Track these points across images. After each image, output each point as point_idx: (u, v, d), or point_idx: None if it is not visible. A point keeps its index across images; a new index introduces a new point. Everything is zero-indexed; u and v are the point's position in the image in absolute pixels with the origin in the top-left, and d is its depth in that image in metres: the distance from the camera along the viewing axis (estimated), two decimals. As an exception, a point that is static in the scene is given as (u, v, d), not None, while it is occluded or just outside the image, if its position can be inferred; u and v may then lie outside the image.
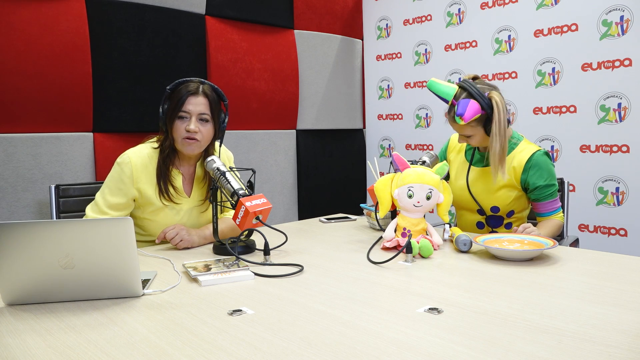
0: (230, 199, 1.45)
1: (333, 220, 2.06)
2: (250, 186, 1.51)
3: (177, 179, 1.64)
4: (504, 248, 1.40)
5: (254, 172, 1.54)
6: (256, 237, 1.57)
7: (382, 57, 3.57)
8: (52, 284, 1.02)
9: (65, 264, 1.00)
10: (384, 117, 3.61)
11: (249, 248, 1.50)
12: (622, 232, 2.51)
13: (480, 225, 1.85)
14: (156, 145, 1.63)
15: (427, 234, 1.53)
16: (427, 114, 3.34)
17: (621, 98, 2.46)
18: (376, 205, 1.61)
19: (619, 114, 2.47)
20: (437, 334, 0.86)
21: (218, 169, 1.49)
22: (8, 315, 0.98)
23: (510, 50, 2.86)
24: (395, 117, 3.54)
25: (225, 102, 1.63)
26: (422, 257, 1.41)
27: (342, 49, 3.62)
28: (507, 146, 1.67)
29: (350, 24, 3.66)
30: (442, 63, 3.20)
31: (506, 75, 2.89)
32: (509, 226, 1.81)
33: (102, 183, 1.61)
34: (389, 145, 3.60)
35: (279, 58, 3.22)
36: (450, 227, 1.62)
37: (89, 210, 1.58)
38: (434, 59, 3.26)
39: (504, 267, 1.29)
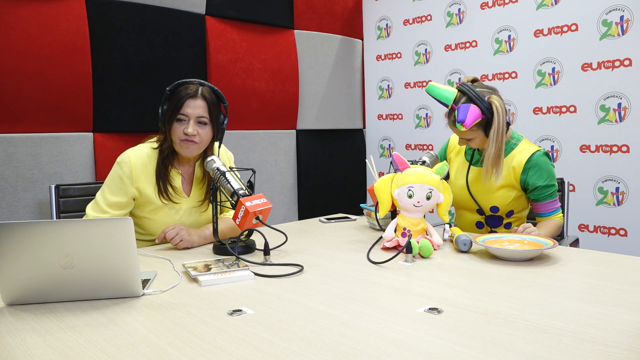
0: (230, 199, 1.45)
1: (333, 220, 2.06)
2: (250, 186, 1.51)
3: (176, 179, 1.64)
4: (504, 248, 1.40)
5: (254, 172, 1.54)
6: (256, 237, 1.57)
7: (382, 57, 3.57)
8: (52, 284, 1.02)
9: (65, 264, 1.00)
10: (384, 117, 3.61)
11: (249, 248, 1.50)
12: (622, 232, 2.51)
13: (479, 225, 1.85)
14: (156, 145, 1.64)
15: (427, 234, 1.53)
16: (427, 114, 3.34)
17: (621, 98, 2.46)
18: (376, 205, 1.61)
19: (619, 114, 2.47)
20: (437, 334, 0.86)
21: (218, 169, 1.49)
22: (8, 315, 0.98)
23: (510, 50, 2.86)
24: (395, 117, 3.54)
25: (225, 104, 1.63)
26: (422, 257, 1.41)
27: (342, 49, 3.62)
28: (503, 151, 1.66)
29: (350, 24, 3.66)
30: (442, 63, 3.20)
31: (506, 75, 2.89)
32: (508, 226, 1.81)
33: (102, 183, 1.62)
34: (389, 145, 3.60)
35: (279, 58, 3.22)
36: (450, 227, 1.62)
37: (90, 209, 1.58)
38: (434, 59, 3.26)
39: (504, 267, 1.29)
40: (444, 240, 1.61)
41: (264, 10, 3.13)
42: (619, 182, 2.50)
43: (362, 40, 3.74)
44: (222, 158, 1.73)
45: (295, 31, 3.33)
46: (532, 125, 2.77)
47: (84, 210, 1.59)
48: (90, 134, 2.49)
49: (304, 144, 3.44)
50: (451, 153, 1.95)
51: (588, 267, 1.30)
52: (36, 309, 1.01)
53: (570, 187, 2.15)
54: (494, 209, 1.78)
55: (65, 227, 1.00)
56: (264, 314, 0.97)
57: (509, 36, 2.85)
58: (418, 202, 1.49)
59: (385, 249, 1.51)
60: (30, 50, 2.25)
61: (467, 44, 3.07)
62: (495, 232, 1.81)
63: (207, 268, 1.25)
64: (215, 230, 1.54)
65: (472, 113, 1.58)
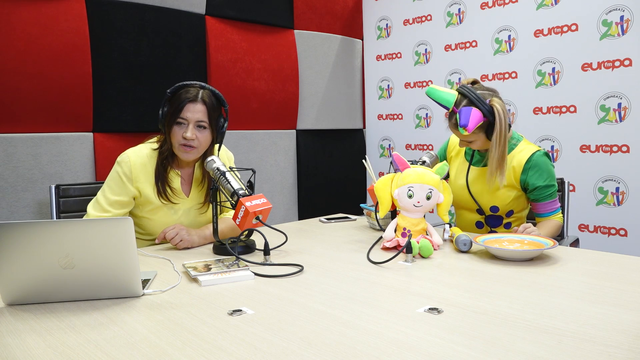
0: (230, 199, 1.45)
1: (333, 220, 2.06)
2: (250, 186, 1.51)
3: (175, 180, 1.64)
4: (504, 248, 1.40)
5: (254, 172, 1.54)
6: (256, 237, 1.57)
7: (382, 57, 3.57)
8: (52, 284, 1.02)
9: (65, 264, 1.00)
10: (384, 117, 3.61)
11: (249, 248, 1.50)
12: (622, 232, 2.51)
13: (479, 225, 1.85)
14: (156, 145, 1.64)
15: (427, 234, 1.53)
16: (427, 114, 3.34)
17: (621, 98, 2.46)
18: (376, 205, 1.61)
19: (619, 114, 2.47)
20: (437, 334, 0.86)
21: (218, 169, 1.50)
22: (8, 315, 0.98)
23: (510, 50, 2.86)
24: (395, 117, 3.54)
25: (225, 107, 1.63)
26: (422, 257, 1.41)
27: (342, 49, 3.62)
28: (507, 153, 1.66)
29: (350, 24, 3.66)
30: (442, 63, 3.20)
31: (506, 75, 2.89)
32: (508, 226, 1.81)
33: (102, 183, 1.62)
34: (389, 145, 3.60)
35: (279, 58, 3.22)
36: (450, 227, 1.62)
37: (91, 208, 1.58)
38: (434, 59, 3.26)
39: (504, 267, 1.29)
40: (444, 240, 1.61)
41: (264, 10, 3.13)
42: (619, 182, 2.50)
43: (362, 40, 3.74)
44: (222, 158, 1.73)
45: (295, 31, 3.33)
46: (532, 125, 2.77)
47: (84, 210, 1.60)
48: (90, 134, 2.49)
49: (304, 144, 3.44)
50: (451, 153, 1.95)
51: (588, 267, 1.30)
52: (36, 309, 1.01)
53: (570, 187, 2.15)
54: (494, 208, 1.78)
55: (65, 227, 1.00)
56: (264, 314, 0.97)
57: (509, 36, 2.85)
58: (418, 202, 1.49)
59: (385, 249, 1.51)
60: (30, 50, 2.25)
61: (467, 44, 3.07)
62: (495, 232, 1.81)
63: (207, 268, 1.25)
64: (215, 230, 1.54)
65: (474, 116, 1.58)
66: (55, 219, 1.84)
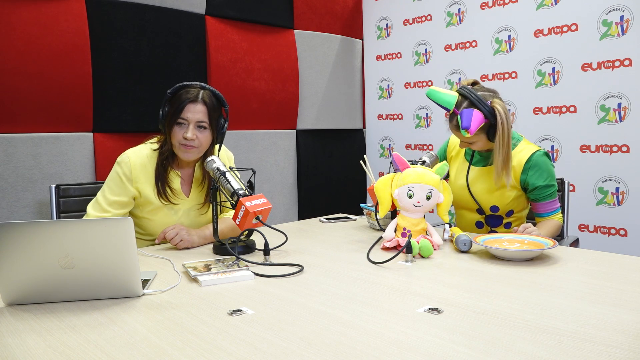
0: (230, 199, 1.45)
1: (333, 220, 2.06)
2: (250, 186, 1.51)
3: (175, 180, 1.64)
4: (504, 248, 1.40)
5: (254, 172, 1.54)
6: (256, 237, 1.57)
7: (382, 57, 3.57)
8: (52, 284, 1.02)
9: (65, 264, 1.00)
10: (384, 117, 3.61)
11: (249, 248, 1.50)
12: (622, 232, 2.51)
13: (479, 225, 1.85)
14: (156, 146, 1.64)
15: (427, 234, 1.53)
16: (427, 114, 3.34)
17: (621, 98, 2.46)
18: (376, 205, 1.61)
19: (619, 114, 2.47)
20: (437, 334, 0.86)
21: (218, 169, 1.50)
22: (8, 315, 0.98)
23: (510, 50, 2.86)
24: (395, 117, 3.54)
25: (225, 108, 1.63)
26: (422, 257, 1.41)
27: (342, 49, 3.62)
28: (511, 155, 1.66)
29: (350, 24, 3.66)
30: (442, 63, 3.20)
31: (506, 75, 2.89)
32: (508, 226, 1.81)
33: (102, 183, 1.62)
34: (389, 145, 3.60)
35: (279, 58, 3.22)
36: (450, 227, 1.62)
37: (91, 208, 1.58)
38: (434, 59, 3.26)
39: (504, 267, 1.29)
40: (444, 240, 1.61)
41: (264, 10, 3.13)
42: (619, 182, 2.50)
43: (362, 40, 3.74)
44: (222, 158, 1.73)
45: (295, 31, 3.33)
46: (532, 125, 2.77)
47: (84, 210, 1.60)
48: (90, 134, 2.49)
49: (304, 144, 3.44)
50: (451, 153, 1.95)
51: (588, 267, 1.30)
52: (36, 309, 1.01)
53: (570, 187, 2.15)
54: (494, 208, 1.78)
55: (65, 227, 1.00)
56: (264, 314, 0.97)
57: (509, 36, 2.85)
58: (418, 202, 1.49)
59: (385, 249, 1.51)
60: (30, 50, 2.25)
61: (467, 44, 3.07)
62: (496, 231, 1.81)
63: (207, 268, 1.25)
64: (215, 230, 1.54)
65: (476, 118, 1.58)
66: (55, 219, 1.84)
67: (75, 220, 1.02)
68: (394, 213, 1.61)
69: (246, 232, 1.55)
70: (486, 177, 1.78)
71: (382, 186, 1.55)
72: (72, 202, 1.88)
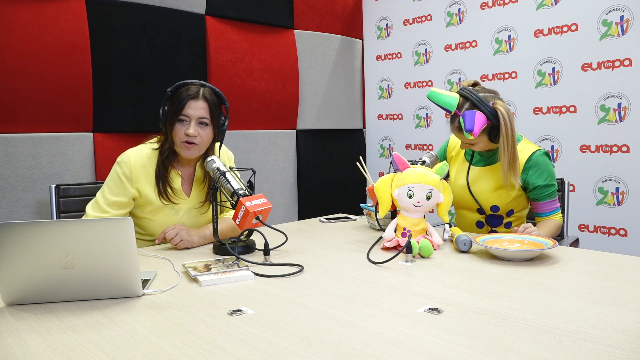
0: (230, 199, 1.45)
1: (333, 220, 2.06)
2: (250, 186, 1.51)
3: (176, 180, 1.64)
4: (504, 248, 1.40)
5: (254, 172, 1.54)
6: (256, 237, 1.57)
7: (382, 57, 3.57)
8: (52, 284, 1.02)
9: (65, 264, 1.00)
10: (384, 117, 3.61)
11: (249, 248, 1.50)
12: (622, 232, 2.51)
13: (479, 225, 1.85)
14: (156, 146, 1.64)
15: (427, 234, 1.53)
16: (427, 114, 3.34)
17: (621, 98, 2.46)
18: (376, 205, 1.61)
19: (619, 114, 2.47)
20: (437, 334, 0.86)
21: (218, 169, 1.50)
22: (8, 315, 0.98)
23: (510, 50, 2.86)
24: (395, 117, 3.54)
25: (225, 105, 1.64)
26: (422, 257, 1.41)
27: (342, 49, 3.62)
28: (517, 156, 1.66)
29: (350, 24, 3.66)
30: (442, 63, 3.20)
31: (506, 75, 2.89)
32: (508, 225, 1.81)
33: (102, 183, 1.62)
34: (389, 145, 3.60)
35: (279, 58, 3.22)
36: (450, 227, 1.62)
37: (90, 208, 1.58)
38: (434, 59, 3.26)
39: (504, 267, 1.29)
40: (444, 240, 1.61)
41: (264, 10, 3.13)
42: (619, 182, 2.50)
43: (362, 40, 3.74)
44: (223, 158, 1.73)
45: (295, 31, 3.33)
46: (532, 125, 2.77)
47: (84, 210, 1.59)
48: (90, 134, 2.49)
49: (304, 144, 3.44)
50: (451, 153, 1.95)
51: (588, 267, 1.30)
52: (36, 309, 1.01)
53: (570, 187, 2.15)
54: (495, 208, 1.78)
55: (65, 227, 1.00)
56: (264, 314, 0.97)
57: (509, 36, 2.85)
58: (418, 202, 1.49)
59: (385, 249, 1.51)
60: (30, 50, 2.25)
61: (467, 44, 3.07)
62: (496, 231, 1.81)
63: (207, 268, 1.25)
64: (215, 230, 1.54)
65: (479, 120, 1.58)
66: (55, 219, 1.84)
67: (75, 220, 1.02)
68: (394, 213, 1.61)
69: (246, 232, 1.54)
70: (486, 177, 1.78)
71: (382, 186, 1.55)
72: (72, 202, 1.88)
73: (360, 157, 2.08)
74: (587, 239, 2.59)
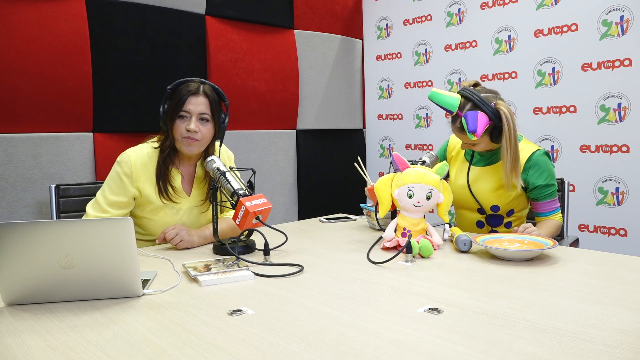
0: (230, 199, 1.45)
1: (333, 220, 2.06)
2: (250, 186, 1.51)
3: (177, 178, 1.64)
4: (504, 248, 1.40)
5: (254, 172, 1.54)
6: (256, 237, 1.57)
7: (382, 57, 3.57)
8: (52, 284, 1.02)
9: (65, 264, 1.00)
10: (384, 117, 3.61)
11: (249, 248, 1.50)
12: (622, 232, 2.51)
13: (480, 225, 1.85)
14: (156, 145, 1.64)
15: (427, 234, 1.53)
16: (427, 114, 3.34)
17: (621, 98, 2.46)
18: (376, 205, 1.61)
19: (619, 114, 2.47)
20: (437, 334, 0.86)
21: (218, 169, 1.50)
22: (8, 315, 0.98)
23: (510, 50, 2.86)
24: (395, 117, 3.54)
25: (225, 102, 1.64)
26: (422, 257, 1.41)
27: (342, 49, 3.62)
28: (519, 156, 1.66)
29: (350, 24, 3.66)
30: (442, 63, 3.20)
31: (506, 75, 2.89)
32: (508, 225, 1.81)
33: (102, 183, 1.62)
34: (389, 145, 3.60)
35: (279, 58, 3.22)
36: (450, 227, 1.62)
37: (90, 208, 1.58)
38: (434, 59, 3.26)
39: (504, 267, 1.29)
40: (444, 240, 1.61)
41: (264, 10, 3.13)
42: (619, 182, 2.50)
43: (362, 40, 3.74)
44: (223, 157, 1.73)
45: (295, 31, 3.33)
46: (532, 125, 2.77)
47: (84, 210, 1.59)
48: (90, 134, 2.49)
49: (304, 144, 3.44)
50: (451, 153, 1.95)
51: (588, 267, 1.30)
52: (36, 309, 1.01)
53: (570, 187, 2.15)
54: (495, 207, 1.78)
55: (65, 227, 1.00)
56: (264, 314, 0.97)
57: (509, 36, 2.85)
58: (418, 202, 1.49)
59: (385, 249, 1.51)
60: (30, 50, 2.25)
61: (467, 44, 3.07)
62: (496, 231, 1.81)
63: (207, 268, 1.25)
64: (215, 230, 1.54)
65: (481, 121, 1.58)
66: (55, 219, 1.84)
67: (75, 220, 1.02)
68: (394, 213, 1.61)
69: (246, 232, 1.55)
70: (487, 177, 1.78)
71: (382, 186, 1.55)
72: (72, 202, 1.88)
73: (359, 157, 2.08)
74: (587, 239, 2.59)
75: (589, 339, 0.82)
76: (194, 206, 1.67)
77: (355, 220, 2.09)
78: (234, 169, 1.56)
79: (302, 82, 3.38)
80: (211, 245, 1.59)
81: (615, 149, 2.50)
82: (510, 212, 1.79)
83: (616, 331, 0.86)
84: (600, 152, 2.55)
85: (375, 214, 1.69)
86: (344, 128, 3.70)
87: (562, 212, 1.83)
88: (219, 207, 1.56)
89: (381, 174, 3.52)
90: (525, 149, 1.73)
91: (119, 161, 1.59)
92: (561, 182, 1.97)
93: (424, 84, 3.33)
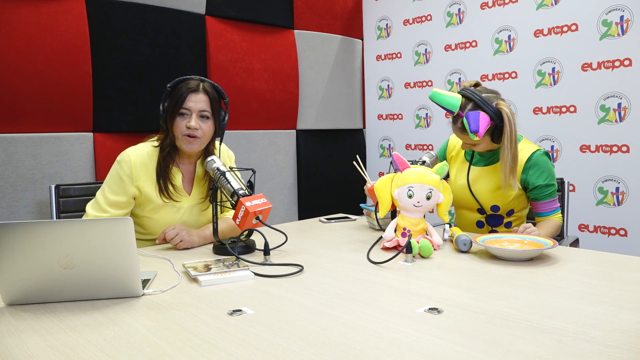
0: (230, 199, 1.45)
1: (333, 220, 2.06)
2: (250, 186, 1.51)
3: (177, 177, 1.64)
4: (504, 248, 1.40)
5: (254, 172, 1.54)
6: (256, 237, 1.57)
7: (382, 57, 3.57)
8: (52, 284, 1.02)
9: (65, 264, 1.00)
10: (384, 117, 3.61)
11: (249, 248, 1.50)
12: (622, 232, 2.51)
13: (480, 225, 1.85)
14: (156, 143, 1.64)
15: (427, 234, 1.53)
16: (427, 114, 3.34)
17: (621, 98, 2.46)
18: (376, 205, 1.61)
19: (619, 114, 2.47)
20: (437, 334, 0.86)
21: (218, 169, 1.50)
22: (8, 315, 0.98)
23: (510, 50, 2.86)
24: (395, 117, 3.54)
25: (225, 100, 1.64)
26: (422, 257, 1.41)
27: (342, 49, 3.62)
28: (518, 157, 1.66)
29: (350, 24, 3.66)
30: (442, 63, 3.20)
31: (506, 75, 2.89)
32: (508, 225, 1.81)
33: (102, 183, 1.62)
34: (389, 145, 3.60)
35: (279, 58, 3.22)
36: (450, 227, 1.62)
37: (90, 208, 1.58)
38: (434, 59, 3.26)
39: (504, 267, 1.29)
40: (444, 240, 1.61)
41: (264, 10, 3.13)
42: (619, 182, 2.50)
43: (362, 40, 3.74)
44: (223, 157, 1.73)
45: (295, 31, 3.33)
46: (532, 125, 2.77)
47: (84, 210, 1.59)
48: (90, 134, 2.49)
49: (304, 144, 3.44)
50: (451, 153, 1.95)
51: (588, 267, 1.30)
52: (36, 309, 1.01)
53: (570, 187, 2.15)
54: (495, 207, 1.78)
55: (65, 227, 1.00)
56: (264, 314, 0.97)
57: (509, 36, 2.85)
58: (418, 202, 1.49)
59: (385, 249, 1.51)
60: (30, 50, 2.25)
61: (467, 44, 3.07)
62: (496, 231, 1.81)
63: (207, 268, 1.25)
64: (215, 230, 1.54)
65: (483, 121, 1.58)
66: (55, 219, 1.84)
67: (75, 220, 1.02)
68: (394, 213, 1.61)
69: (246, 232, 1.54)
70: (487, 177, 1.78)
71: (382, 186, 1.55)
72: (72, 202, 1.88)
73: (357, 156, 2.07)
74: (587, 239, 2.59)
75: (589, 339, 0.82)
76: (194, 205, 1.67)
77: (355, 220, 2.09)
78: (234, 169, 1.56)
79: (302, 82, 3.38)
80: (211, 245, 1.59)
81: (615, 149, 2.50)
82: (510, 212, 1.79)
83: (616, 331, 0.86)
84: (600, 152, 2.55)
85: (375, 214, 1.69)
86: (344, 128, 3.70)
87: (562, 212, 1.83)
88: (219, 207, 1.56)
89: (381, 174, 3.52)
90: (525, 149, 1.73)
91: (118, 160, 1.59)
92: (561, 182, 1.97)
93: (424, 84, 3.33)
